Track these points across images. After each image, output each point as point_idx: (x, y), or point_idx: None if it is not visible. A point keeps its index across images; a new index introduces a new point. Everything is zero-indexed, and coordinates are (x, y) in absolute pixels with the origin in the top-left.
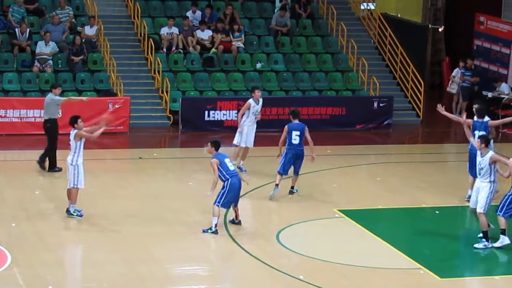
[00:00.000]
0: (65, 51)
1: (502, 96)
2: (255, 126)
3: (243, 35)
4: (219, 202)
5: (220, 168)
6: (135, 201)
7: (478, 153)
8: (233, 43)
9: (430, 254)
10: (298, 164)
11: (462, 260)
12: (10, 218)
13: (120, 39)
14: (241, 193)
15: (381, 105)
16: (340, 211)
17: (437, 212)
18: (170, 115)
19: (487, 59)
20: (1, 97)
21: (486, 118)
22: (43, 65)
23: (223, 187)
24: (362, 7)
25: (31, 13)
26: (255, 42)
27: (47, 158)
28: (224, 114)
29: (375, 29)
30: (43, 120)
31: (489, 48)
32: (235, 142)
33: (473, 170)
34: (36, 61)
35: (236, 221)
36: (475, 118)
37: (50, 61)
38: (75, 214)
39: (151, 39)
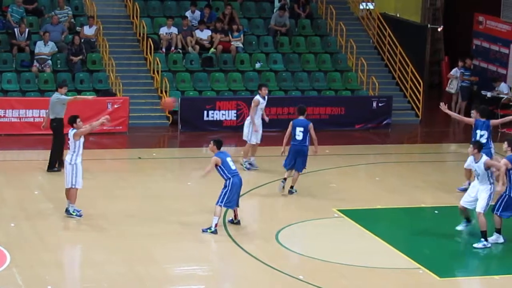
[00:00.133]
0: (64, 51)
1: (501, 95)
2: (261, 122)
3: (242, 35)
4: (221, 202)
5: (222, 167)
6: (134, 201)
7: (472, 158)
8: (232, 43)
9: (429, 254)
10: (300, 161)
11: (462, 260)
12: (9, 218)
13: (119, 39)
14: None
15: (380, 105)
16: (339, 211)
17: (436, 211)
18: (169, 115)
19: (486, 59)
20: (0, 97)
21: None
22: (42, 65)
23: (225, 187)
24: (361, 7)
25: (30, 13)
26: (254, 42)
27: (55, 160)
28: (223, 114)
29: (374, 29)
30: (49, 120)
31: (488, 47)
32: (252, 141)
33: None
34: (35, 61)
35: (235, 221)
36: (472, 116)
37: (49, 61)
38: (74, 214)
39: (150, 39)
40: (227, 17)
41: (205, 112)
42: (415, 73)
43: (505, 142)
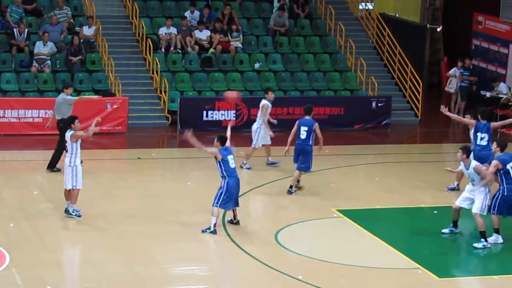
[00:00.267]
0: (63, 51)
1: (500, 96)
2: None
3: (241, 35)
4: (217, 203)
5: (221, 163)
6: (134, 201)
7: (463, 164)
8: (231, 43)
9: (428, 254)
10: (302, 160)
11: (461, 260)
12: (9, 218)
13: (118, 39)
14: (239, 193)
15: (379, 105)
16: (339, 211)
17: (435, 212)
18: (169, 115)
19: (485, 59)
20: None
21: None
22: (41, 65)
23: (220, 187)
24: (360, 7)
25: (29, 13)
26: (253, 42)
27: (57, 160)
28: (222, 114)
29: (373, 29)
30: (55, 120)
31: (487, 48)
32: (258, 144)
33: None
34: (34, 61)
35: (234, 221)
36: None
37: (48, 61)
38: (74, 214)
39: (149, 39)
40: (226, 17)
41: (204, 112)
42: (414, 73)
43: (494, 143)
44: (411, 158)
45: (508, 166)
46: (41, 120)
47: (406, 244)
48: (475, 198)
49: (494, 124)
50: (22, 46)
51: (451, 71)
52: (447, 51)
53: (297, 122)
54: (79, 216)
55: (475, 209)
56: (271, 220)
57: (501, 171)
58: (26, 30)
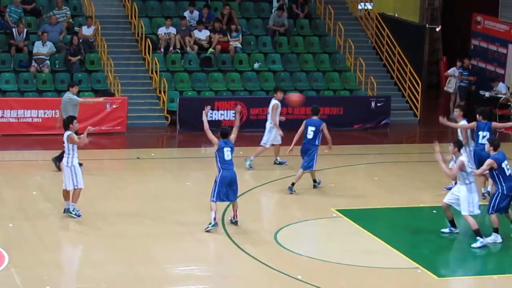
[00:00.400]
0: (63, 51)
1: (499, 95)
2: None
3: (240, 35)
4: (213, 197)
5: (218, 153)
6: (133, 201)
7: (455, 159)
8: (230, 43)
9: (427, 254)
10: (306, 159)
11: (460, 259)
12: (8, 218)
13: (118, 39)
14: (238, 193)
15: (378, 105)
16: (338, 210)
17: (434, 211)
18: (168, 115)
19: (484, 59)
20: None
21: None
22: (40, 65)
23: (214, 182)
24: (359, 7)
25: (28, 13)
26: (252, 42)
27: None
28: (221, 114)
29: (373, 29)
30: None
31: (486, 47)
32: (277, 142)
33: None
34: (33, 61)
35: (233, 221)
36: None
37: (47, 61)
38: (74, 213)
39: (148, 39)
40: (226, 17)
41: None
42: (414, 73)
43: (487, 142)
44: (410, 158)
45: (503, 165)
46: (40, 120)
47: (405, 244)
48: (460, 200)
49: (495, 124)
50: (21, 46)
51: (450, 71)
52: (446, 51)
53: (304, 122)
54: (79, 216)
55: (462, 211)
56: (271, 219)
57: (497, 171)
58: (25, 30)
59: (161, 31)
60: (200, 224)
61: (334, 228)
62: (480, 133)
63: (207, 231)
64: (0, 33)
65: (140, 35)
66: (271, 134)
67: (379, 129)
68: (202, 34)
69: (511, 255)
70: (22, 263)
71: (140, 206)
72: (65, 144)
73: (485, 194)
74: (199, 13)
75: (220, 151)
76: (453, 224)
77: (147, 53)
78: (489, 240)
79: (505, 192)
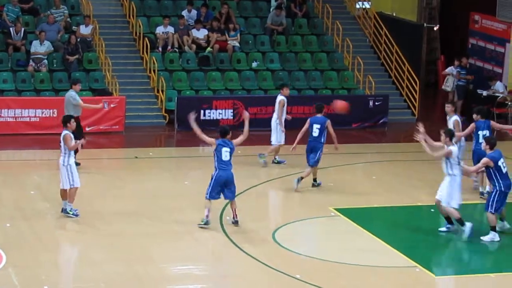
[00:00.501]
0: (60, 51)
1: (497, 94)
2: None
3: (238, 34)
4: (207, 194)
5: (215, 153)
6: (131, 201)
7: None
8: (228, 42)
9: (426, 252)
10: (312, 156)
11: (458, 258)
12: (6, 218)
13: (116, 38)
14: (237, 191)
15: (376, 103)
16: (336, 209)
17: (432, 210)
18: (166, 114)
19: (482, 58)
20: None
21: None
22: (38, 65)
23: (211, 178)
24: (357, 6)
25: (26, 12)
26: (250, 41)
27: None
28: (220, 113)
29: (371, 28)
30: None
31: (484, 46)
32: (279, 142)
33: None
34: (31, 60)
35: (233, 221)
36: (475, 118)
37: (45, 61)
38: (71, 213)
39: (146, 38)
40: (224, 16)
41: (202, 112)
42: (411, 72)
43: (483, 141)
44: (408, 157)
45: (499, 163)
46: (37, 120)
47: (403, 243)
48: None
49: (493, 124)
50: (19, 45)
51: (448, 70)
52: (444, 50)
53: (308, 120)
54: (77, 215)
55: (442, 201)
56: (269, 218)
57: (493, 169)
58: (23, 29)
59: (159, 30)
60: (198, 223)
61: (333, 227)
62: (480, 132)
63: (200, 227)
64: None
65: (138, 34)
66: (279, 131)
67: (377, 128)
68: (200, 33)
69: (508, 253)
70: (20, 263)
71: (138, 205)
72: (61, 143)
73: (485, 194)
74: (197, 12)
75: (218, 150)
76: (449, 221)
77: (145, 52)
78: (487, 238)
79: (502, 189)
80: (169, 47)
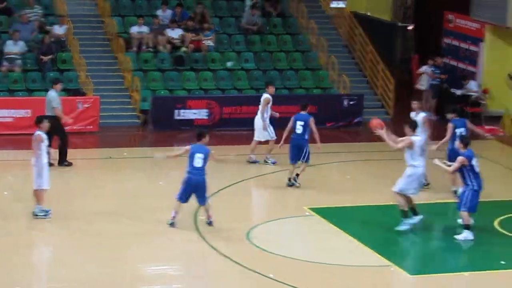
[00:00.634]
0: (34, 51)
1: (471, 93)
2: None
3: (213, 34)
4: (178, 196)
5: (189, 158)
6: (105, 201)
7: None
8: (203, 42)
9: (400, 251)
10: (301, 153)
11: (432, 257)
12: None
13: (90, 38)
14: (211, 191)
15: (351, 103)
16: (311, 209)
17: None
18: (140, 114)
19: (456, 57)
20: None
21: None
22: (12, 65)
23: (182, 183)
24: (332, 6)
25: (0, 12)
26: (225, 41)
27: (65, 154)
28: (194, 113)
29: (345, 27)
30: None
31: (458, 46)
32: (264, 139)
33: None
34: (4, 60)
35: (207, 222)
36: (449, 117)
37: (19, 61)
38: (41, 214)
39: (121, 38)
40: (198, 15)
41: (176, 111)
42: (386, 71)
43: (457, 139)
44: (383, 156)
45: (473, 162)
46: (11, 120)
47: (378, 242)
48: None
49: (469, 124)
50: None
51: (422, 69)
52: (418, 49)
53: (292, 118)
54: (47, 216)
55: (395, 187)
56: (243, 218)
57: (467, 168)
58: None
59: (134, 30)
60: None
61: (307, 227)
62: (457, 130)
63: (168, 225)
64: None
65: (112, 34)
66: (268, 128)
67: (351, 127)
68: (175, 33)
69: (482, 252)
70: None
71: (112, 206)
72: (34, 143)
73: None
74: (171, 12)
75: (191, 156)
76: (415, 212)
77: (119, 52)
78: (461, 237)
79: (475, 188)
80: (144, 47)
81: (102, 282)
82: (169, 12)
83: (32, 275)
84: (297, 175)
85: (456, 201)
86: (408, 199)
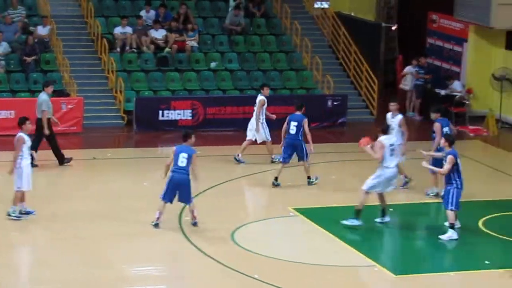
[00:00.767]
0: (18, 52)
1: (455, 93)
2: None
3: (197, 35)
4: (162, 195)
5: (173, 157)
6: (90, 202)
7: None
8: (187, 43)
9: (384, 251)
10: (298, 154)
11: (416, 257)
12: None
13: (73, 39)
14: (195, 192)
15: (335, 103)
16: (295, 209)
17: (391, 209)
18: (124, 115)
19: (440, 57)
20: None
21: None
22: None
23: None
24: (316, 6)
25: None
26: (209, 41)
27: (61, 154)
28: (178, 114)
29: (329, 27)
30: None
31: (441, 46)
32: (260, 140)
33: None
34: None
35: (192, 222)
36: (433, 117)
37: (2, 62)
38: (13, 215)
39: (104, 39)
40: (182, 16)
41: (160, 112)
42: (370, 71)
43: (443, 138)
44: (367, 157)
45: (458, 160)
46: None
47: (362, 242)
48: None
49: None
50: None
51: (406, 69)
52: (402, 49)
53: (287, 118)
54: (19, 218)
55: (364, 185)
56: (227, 219)
57: (453, 166)
58: None
59: (117, 30)
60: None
61: (291, 227)
62: (444, 129)
63: (153, 226)
64: None
65: (96, 34)
66: (265, 129)
67: (336, 127)
68: (159, 34)
69: (467, 251)
70: None
71: (96, 207)
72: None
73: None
74: (155, 13)
75: (175, 155)
76: (384, 213)
77: (103, 53)
78: (445, 237)
79: (459, 187)
80: (128, 48)
81: (86, 283)
82: (152, 13)
83: (15, 276)
84: (308, 177)
85: (435, 200)
86: (381, 199)
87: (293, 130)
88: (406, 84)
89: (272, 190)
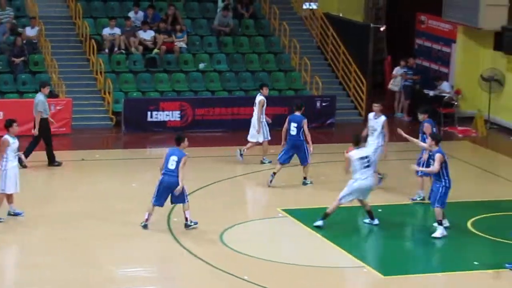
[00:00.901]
0: (6, 53)
1: (443, 94)
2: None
3: (185, 36)
4: (153, 199)
5: (164, 159)
6: (78, 203)
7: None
8: (175, 44)
9: (373, 252)
10: (299, 155)
11: (405, 258)
12: None
13: (62, 40)
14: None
15: (324, 104)
16: (284, 210)
17: (380, 210)
18: (113, 116)
19: (428, 58)
20: None
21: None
22: None
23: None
24: (304, 7)
25: None
26: (197, 43)
27: (53, 155)
28: (167, 115)
29: (318, 28)
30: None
31: (430, 47)
32: (260, 140)
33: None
34: None
35: (185, 223)
36: (420, 118)
37: None
38: None
39: (93, 40)
40: (170, 17)
41: (149, 113)
42: (358, 72)
43: (429, 137)
44: None
45: (446, 158)
46: None
47: (351, 243)
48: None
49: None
50: None
51: (395, 71)
52: (390, 50)
53: (287, 119)
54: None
55: (342, 192)
56: (216, 220)
57: (442, 165)
58: None
59: (106, 31)
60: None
61: (280, 228)
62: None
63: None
64: None
65: (84, 35)
66: (265, 128)
67: (324, 128)
68: (147, 35)
69: (455, 252)
70: None
71: (84, 208)
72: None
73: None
74: (143, 14)
75: (166, 158)
76: (371, 215)
77: (91, 54)
78: (438, 234)
79: (447, 185)
80: (116, 49)
81: (74, 284)
82: (141, 14)
83: (3, 278)
84: (305, 178)
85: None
86: (362, 203)
87: (293, 131)
88: (396, 84)
89: (261, 191)
